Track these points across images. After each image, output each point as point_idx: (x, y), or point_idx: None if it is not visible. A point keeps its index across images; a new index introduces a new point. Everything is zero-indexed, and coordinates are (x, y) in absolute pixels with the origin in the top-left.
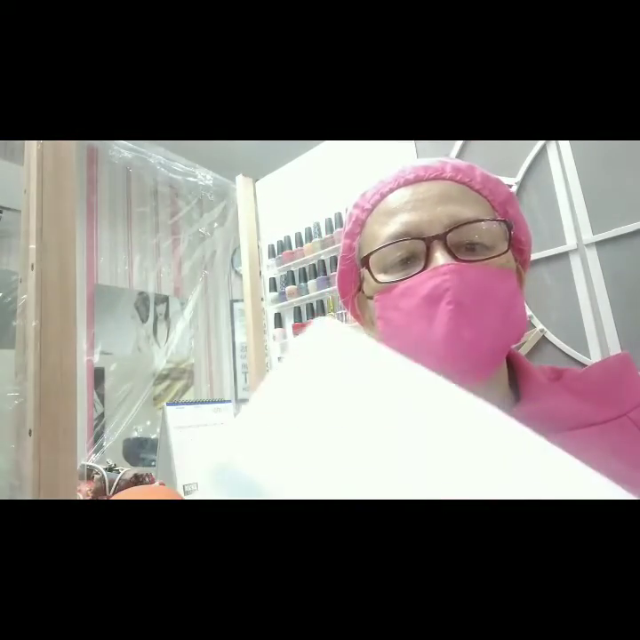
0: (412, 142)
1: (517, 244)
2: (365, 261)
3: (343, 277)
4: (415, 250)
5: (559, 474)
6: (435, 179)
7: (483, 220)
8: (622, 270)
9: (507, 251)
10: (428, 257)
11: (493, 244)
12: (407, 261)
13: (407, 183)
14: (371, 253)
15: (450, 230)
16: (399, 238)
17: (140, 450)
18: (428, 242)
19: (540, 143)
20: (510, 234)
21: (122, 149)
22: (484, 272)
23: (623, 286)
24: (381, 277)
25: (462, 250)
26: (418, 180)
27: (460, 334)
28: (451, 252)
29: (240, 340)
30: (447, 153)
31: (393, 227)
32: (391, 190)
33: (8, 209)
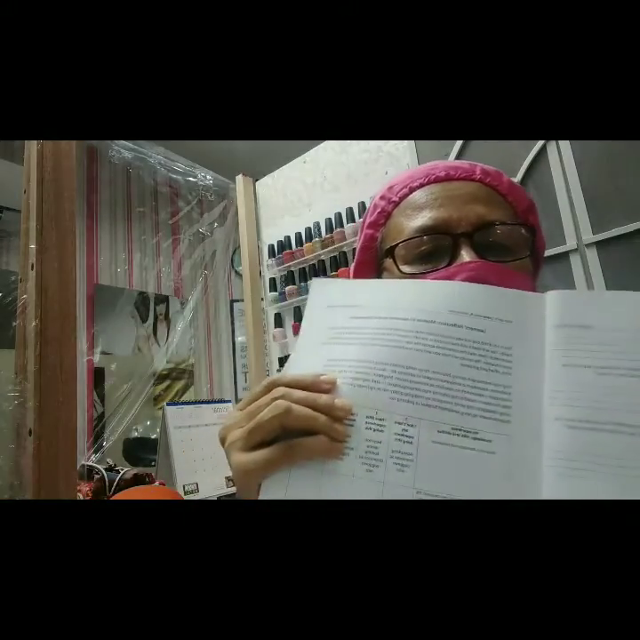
0: (412, 142)
1: (538, 249)
2: (391, 252)
3: (361, 267)
4: (441, 245)
5: None
6: (465, 179)
7: (510, 224)
8: (622, 270)
9: (528, 256)
10: (454, 253)
11: (516, 247)
12: (431, 256)
13: (437, 180)
14: (397, 244)
15: (477, 229)
16: (427, 232)
17: (139, 450)
18: (456, 238)
19: (539, 143)
20: (533, 240)
21: (122, 149)
22: (507, 273)
23: (623, 286)
24: (405, 269)
25: (486, 250)
26: (448, 178)
27: None
28: (476, 250)
29: (240, 339)
30: (447, 153)
31: (421, 220)
32: (420, 185)
33: (8, 209)
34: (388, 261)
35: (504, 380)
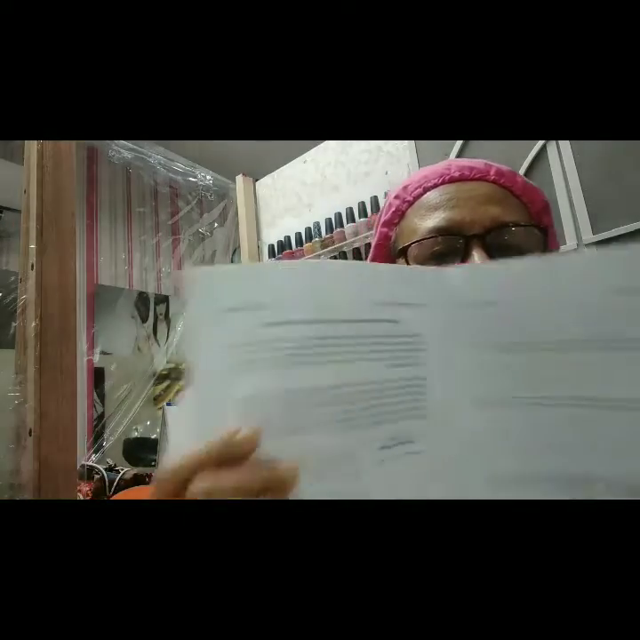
0: (412, 142)
1: (551, 250)
2: (404, 252)
3: None
4: (453, 246)
5: None
6: (479, 179)
7: (523, 225)
8: None
9: None
10: (465, 255)
11: (528, 249)
12: (443, 256)
13: (452, 180)
14: (411, 244)
15: (490, 231)
16: (440, 233)
17: (139, 450)
18: (468, 240)
19: (539, 143)
20: (545, 241)
21: (122, 149)
22: None
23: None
24: None
25: (498, 251)
26: (463, 178)
27: None
28: (488, 252)
29: None
30: (447, 153)
31: (434, 221)
32: (435, 185)
33: (8, 209)
34: (401, 261)
35: (420, 373)
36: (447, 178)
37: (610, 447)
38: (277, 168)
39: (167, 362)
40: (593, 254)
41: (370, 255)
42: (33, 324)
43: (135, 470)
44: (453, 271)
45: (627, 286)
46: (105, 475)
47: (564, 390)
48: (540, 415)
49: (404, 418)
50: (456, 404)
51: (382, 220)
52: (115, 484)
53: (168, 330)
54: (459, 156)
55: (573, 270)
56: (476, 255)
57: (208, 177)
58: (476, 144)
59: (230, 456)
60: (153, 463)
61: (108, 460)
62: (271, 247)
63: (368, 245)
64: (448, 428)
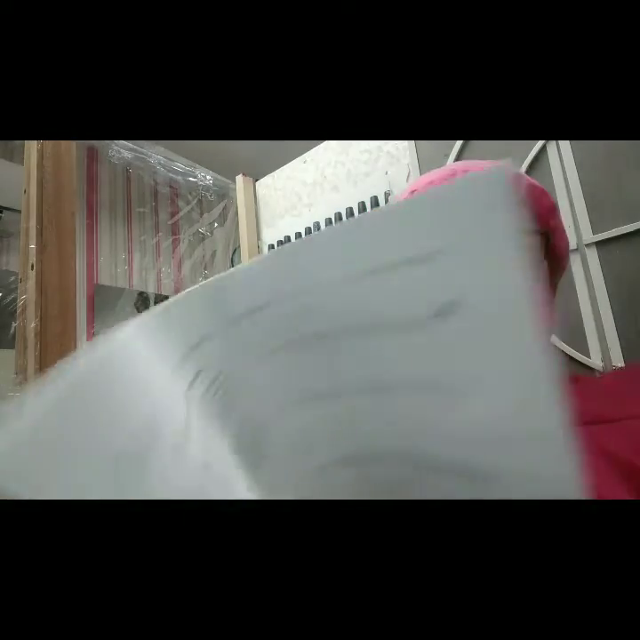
0: (412, 142)
1: (557, 251)
2: None
3: None
4: None
5: None
6: None
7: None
8: (622, 270)
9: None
10: None
11: None
12: None
13: None
14: None
15: None
16: None
17: None
18: None
19: (539, 143)
20: (547, 245)
21: (122, 149)
22: None
23: (623, 286)
24: None
25: None
26: None
27: None
28: None
29: None
30: (447, 153)
31: None
32: None
33: (8, 209)
34: None
35: (236, 415)
36: None
37: (393, 426)
38: (277, 168)
39: None
40: (325, 234)
41: None
42: (33, 324)
43: None
44: (213, 288)
45: (363, 269)
46: None
47: (346, 376)
48: (339, 403)
49: (251, 468)
50: (274, 425)
51: None
52: None
53: None
54: (459, 156)
55: (312, 255)
56: None
57: (208, 177)
58: (475, 144)
59: None
60: None
61: None
62: (271, 247)
63: None
64: (278, 449)
